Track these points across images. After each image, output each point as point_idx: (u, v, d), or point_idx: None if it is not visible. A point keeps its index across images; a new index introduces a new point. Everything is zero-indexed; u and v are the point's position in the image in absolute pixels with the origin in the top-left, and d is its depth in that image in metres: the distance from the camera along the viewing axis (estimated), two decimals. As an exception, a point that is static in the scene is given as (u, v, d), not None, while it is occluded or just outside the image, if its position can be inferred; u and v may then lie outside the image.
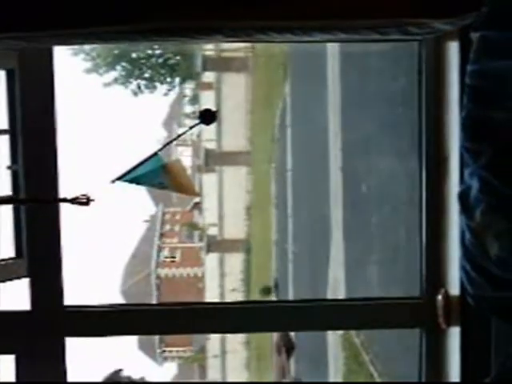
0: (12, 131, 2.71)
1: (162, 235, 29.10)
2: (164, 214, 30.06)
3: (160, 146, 2.64)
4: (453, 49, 2.54)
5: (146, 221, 30.81)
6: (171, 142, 2.67)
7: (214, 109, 2.56)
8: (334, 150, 11.10)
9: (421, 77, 2.68)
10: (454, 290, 2.60)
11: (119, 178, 2.54)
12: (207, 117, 2.55)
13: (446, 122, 2.62)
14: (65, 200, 2.37)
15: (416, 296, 2.77)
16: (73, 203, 2.34)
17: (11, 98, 2.69)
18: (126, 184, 2.54)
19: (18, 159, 2.71)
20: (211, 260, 24.88)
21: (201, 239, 26.19)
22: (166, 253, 28.61)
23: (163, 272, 27.81)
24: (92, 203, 2.43)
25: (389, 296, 2.90)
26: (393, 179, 7.66)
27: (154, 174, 2.58)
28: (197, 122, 2.55)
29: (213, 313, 2.78)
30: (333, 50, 11.12)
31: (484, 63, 1.80)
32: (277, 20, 2.19)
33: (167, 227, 29.94)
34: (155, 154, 2.57)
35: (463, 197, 1.86)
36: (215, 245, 24.18)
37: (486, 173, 1.78)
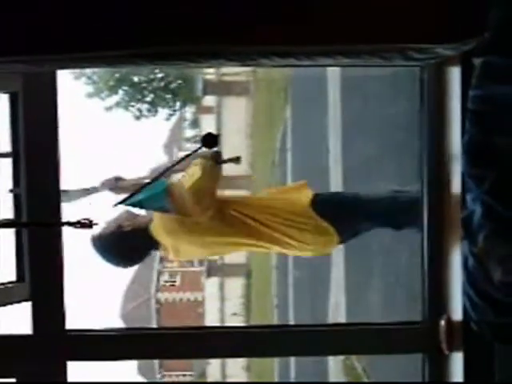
0: (15, 154, 2.72)
1: (162, 259, 29.05)
2: (164, 237, 29.99)
3: (161, 170, 2.65)
4: (455, 74, 2.54)
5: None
6: (173, 166, 2.67)
7: (215, 133, 2.56)
8: (334, 174, 11.10)
9: (422, 101, 2.69)
10: (457, 315, 2.59)
11: (122, 202, 2.55)
12: (209, 141, 2.55)
13: (447, 147, 2.62)
14: (68, 223, 2.37)
15: (418, 321, 2.76)
16: (76, 227, 2.33)
17: (14, 120, 2.70)
18: (129, 207, 2.54)
19: (20, 182, 2.71)
20: (211, 284, 24.81)
21: (201, 263, 26.15)
22: (166, 277, 28.55)
23: (163, 296, 27.74)
24: (92, 229, 2.43)
25: (391, 321, 2.89)
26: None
27: (157, 197, 2.59)
28: (199, 146, 2.55)
29: (213, 337, 2.77)
30: (334, 74, 11.16)
31: (486, 88, 1.81)
32: (279, 44, 2.19)
33: (167, 251, 29.88)
34: (158, 178, 2.57)
35: (466, 222, 1.86)
36: (215, 269, 24.15)
37: (488, 198, 1.78)
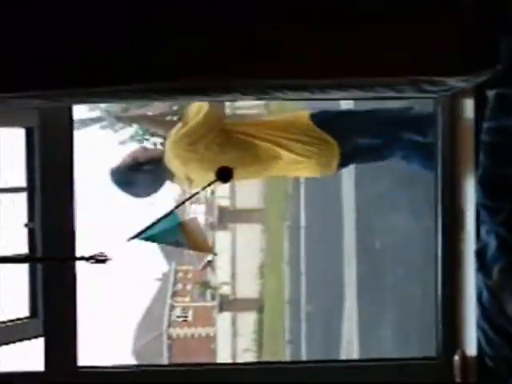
0: (30, 189, 2.73)
1: (174, 294, 28.99)
2: (176, 272, 29.98)
3: (175, 204, 2.65)
4: (468, 106, 2.55)
5: (159, 279, 30.74)
6: (187, 200, 2.68)
7: (230, 167, 2.56)
8: (347, 207, 11.09)
9: (436, 134, 2.69)
10: (471, 350, 2.55)
11: (136, 236, 2.54)
12: (224, 175, 2.55)
13: (461, 179, 2.62)
14: (82, 258, 2.37)
15: (432, 356, 2.73)
16: (90, 262, 2.34)
17: (30, 155, 2.72)
18: (143, 242, 2.54)
19: (34, 217, 2.72)
20: (223, 319, 24.73)
21: (213, 298, 26.06)
22: (177, 312, 28.47)
23: (175, 332, 27.65)
24: (106, 264, 2.43)
25: (404, 357, 2.86)
26: (408, 238, 7.63)
27: (171, 232, 2.58)
28: (213, 179, 2.55)
29: (225, 374, 2.75)
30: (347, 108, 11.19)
31: (500, 120, 1.81)
32: (293, 78, 2.20)
33: (179, 286, 29.84)
34: (172, 212, 2.57)
35: (480, 254, 1.86)
36: (227, 304, 24.07)
37: (503, 230, 1.77)
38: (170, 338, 27.06)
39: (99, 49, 2.19)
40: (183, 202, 2.66)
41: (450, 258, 2.66)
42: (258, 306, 22.71)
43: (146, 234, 2.54)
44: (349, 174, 10.70)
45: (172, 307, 28.44)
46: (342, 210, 11.44)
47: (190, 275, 29.73)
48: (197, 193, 2.58)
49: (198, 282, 28.19)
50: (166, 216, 2.56)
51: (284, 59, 2.17)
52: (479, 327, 1.89)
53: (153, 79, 2.20)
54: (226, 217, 23.79)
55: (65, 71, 2.20)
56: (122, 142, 23.42)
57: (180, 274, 30.18)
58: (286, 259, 20.27)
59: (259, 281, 23.00)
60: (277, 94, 2.29)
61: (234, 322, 23.92)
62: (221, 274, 25.17)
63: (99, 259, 2.33)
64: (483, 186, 1.86)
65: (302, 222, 17.25)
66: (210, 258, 26.06)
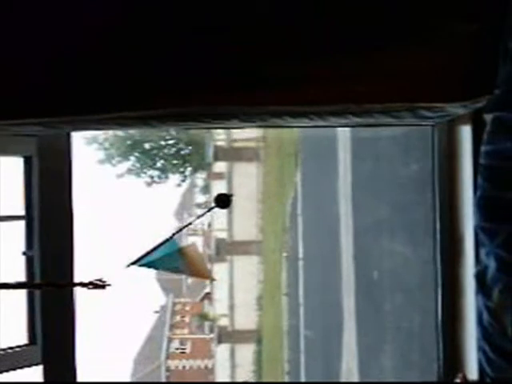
0: (28, 217, 2.72)
1: (172, 326, 28.86)
2: (174, 304, 29.87)
3: (174, 231, 2.65)
4: (465, 131, 2.57)
5: (156, 311, 30.62)
6: (186, 226, 2.69)
7: (228, 193, 2.58)
8: (345, 237, 11.09)
9: (434, 160, 2.70)
10: (472, 373, 2.56)
11: (135, 263, 2.55)
12: (222, 201, 2.57)
13: (459, 204, 2.63)
14: (81, 284, 2.37)
15: (434, 381, 2.72)
16: (89, 288, 2.34)
17: (28, 184, 2.72)
18: (142, 268, 2.54)
19: (33, 245, 2.72)
20: (222, 351, 24.59)
21: (211, 330, 25.94)
22: (176, 344, 28.32)
23: (173, 364, 27.48)
24: (105, 290, 2.42)
25: (406, 381, 2.85)
26: (405, 265, 7.64)
27: (170, 258, 2.58)
28: (212, 206, 2.57)
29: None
30: (344, 137, 11.24)
31: (498, 143, 1.82)
32: (292, 105, 2.22)
33: (177, 318, 29.72)
34: (171, 238, 2.58)
35: (480, 277, 1.85)
36: (226, 336, 23.95)
37: (502, 252, 1.77)
38: (168, 370, 26.89)
39: (100, 77, 2.21)
40: (182, 229, 2.67)
41: (449, 282, 2.67)
42: (256, 337, 22.60)
43: (145, 261, 2.55)
44: (346, 203, 10.71)
45: (170, 339, 28.29)
46: (339, 240, 11.45)
47: (187, 307, 29.62)
48: (195, 219, 2.58)
49: (195, 314, 28.08)
50: (164, 242, 2.56)
51: (285, 87, 2.19)
52: (480, 349, 1.88)
53: (153, 106, 2.22)
54: (224, 249, 23.75)
55: (63, 98, 2.22)
56: (120, 175, 23.52)
57: (178, 307, 30.06)
58: (284, 290, 20.22)
59: (257, 312, 22.90)
60: (277, 121, 2.30)
61: (232, 354, 23.77)
62: (219, 306, 25.06)
63: (98, 285, 2.33)
64: (482, 208, 1.86)
65: (300, 254, 17.25)
66: (208, 289, 25.99)
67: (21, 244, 2.76)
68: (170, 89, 2.21)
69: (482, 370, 2.07)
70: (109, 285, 2.35)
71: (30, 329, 2.73)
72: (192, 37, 2.19)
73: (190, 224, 2.69)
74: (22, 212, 2.74)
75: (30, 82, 2.20)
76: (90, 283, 2.34)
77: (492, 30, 2.13)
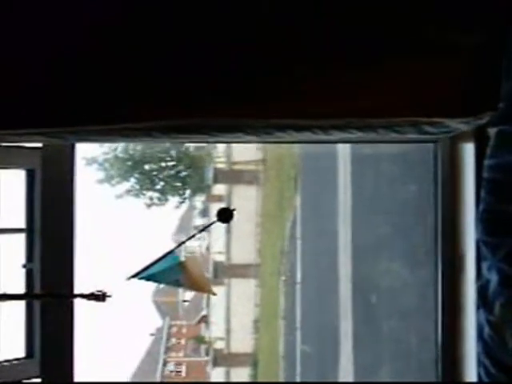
0: (29, 230, 2.72)
1: (167, 349, 28.71)
2: (170, 327, 29.75)
3: (175, 244, 2.66)
4: (468, 148, 2.57)
5: (152, 334, 30.48)
6: (188, 239, 2.69)
7: (230, 208, 2.58)
8: (343, 261, 11.07)
9: (436, 177, 2.71)
10: (473, 389, 2.56)
11: (135, 275, 2.55)
12: (224, 215, 2.57)
13: (461, 221, 2.63)
14: (81, 295, 2.37)
15: (435, 381, 2.71)
16: (89, 299, 2.33)
17: (30, 197, 2.72)
18: (143, 281, 2.54)
19: (33, 258, 2.71)
20: (217, 374, 24.45)
21: (207, 353, 25.81)
22: (171, 367, 28.17)
23: (169, 386, 27.32)
24: (105, 302, 2.42)
25: (405, 381, 2.84)
26: (404, 285, 7.62)
27: (171, 271, 2.58)
28: (214, 220, 2.57)
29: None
30: (344, 160, 11.24)
31: (501, 157, 1.83)
32: (296, 118, 2.22)
33: (173, 341, 29.58)
34: (172, 251, 2.58)
35: (482, 291, 1.85)
36: (222, 359, 23.82)
37: (505, 266, 1.77)
38: (163, 392, 26.71)
39: (103, 87, 2.21)
40: (183, 242, 2.67)
41: (449, 299, 2.66)
42: (252, 360, 22.47)
43: (146, 273, 2.55)
44: (345, 226, 10.70)
45: (165, 362, 28.15)
46: (337, 264, 11.42)
47: (183, 330, 29.48)
48: (196, 233, 2.58)
49: (191, 337, 27.95)
50: (165, 255, 2.56)
51: (290, 100, 2.20)
52: (480, 363, 1.87)
53: (157, 118, 2.22)
54: (222, 272, 23.69)
55: (70, 109, 2.23)
56: (119, 196, 23.49)
57: (174, 329, 29.94)
58: (281, 314, 20.14)
59: (254, 336, 22.80)
60: (280, 134, 2.30)
61: (227, 377, 23.63)
62: (215, 329, 24.95)
63: (98, 297, 2.32)
64: (484, 222, 1.87)
65: (298, 278, 17.20)
66: (204, 312, 25.90)
67: (21, 257, 2.75)
68: (173, 101, 2.21)
69: (481, 384, 2.07)
70: (109, 296, 2.34)
71: (28, 342, 2.73)
72: (196, 49, 2.20)
73: (191, 237, 2.67)
74: (23, 225, 2.74)
75: (32, 91, 2.21)
76: (91, 294, 2.34)
77: (495, 43, 2.14)
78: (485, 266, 1.85)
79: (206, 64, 2.20)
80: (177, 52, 2.20)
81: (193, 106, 2.20)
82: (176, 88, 2.19)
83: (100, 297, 2.34)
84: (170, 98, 2.20)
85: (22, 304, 2.74)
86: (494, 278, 1.79)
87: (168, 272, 2.58)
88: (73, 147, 2.67)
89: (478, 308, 1.88)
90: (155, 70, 2.20)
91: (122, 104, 2.21)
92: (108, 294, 2.34)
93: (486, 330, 1.82)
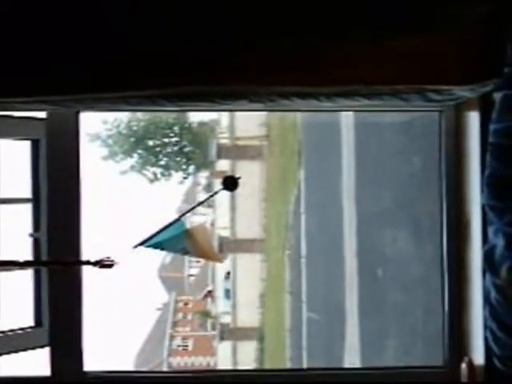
0: (35, 200, 2.73)
1: (174, 324, 28.84)
2: (177, 302, 29.87)
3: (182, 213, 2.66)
4: (473, 116, 2.57)
5: (159, 309, 30.62)
6: (194, 207, 2.70)
7: (236, 176, 2.58)
8: (348, 235, 11.09)
9: (441, 145, 2.71)
10: (479, 358, 2.56)
11: (142, 243, 2.55)
12: (230, 183, 2.57)
13: (466, 189, 2.63)
14: (89, 263, 2.38)
15: (439, 365, 2.73)
16: (97, 266, 2.34)
17: (35, 167, 2.72)
18: (149, 249, 2.55)
19: (40, 227, 2.72)
20: (224, 348, 24.56)
21: (213, 328, 25.92)
22: (178, 341, 28.31)
23: (175, 361, 27.47)
24: (113, 269, 2.43)
25: (411, 365, 2.86)
26: (410, 257, 7.62)
27: (177, 239, 2.59)
28: (220, 188, 2.58)
29: (226, 380, 2.74)
30: (348, 136, 11.23)
31: (507, 121, 1.82)
32: (301, 85, 2.22)
33: (180, 315, 29.71)
34: (178, 219, 2.59)
35: (488, 255, 1.85)
36: (228, 333, 23.91)
37: (511, 230, 1.77)
38: (170, 367, 26.88)
39: (109, 55, 2.21)
40: (190, 210, 2.68)
41: (456, 265, 2.67)
42: (258, 335, 22.57)
43: (153, 242, 2.55)
44: (349, 200, 10.71)
45: (172, 337, 28.28)
46: (342, 237, 11.44)
47: (190, 305, 29.60)
48: (203, 201, 2.58)
49: (198, 311, 28.06)
50: (172, 223, 2.57)
51: (296, 67, 2.20)
52: (487, 327, 1.88)
53: (163, 85, 2.22)
54: (227, 247, 23.73)
55: (72, 76, 2.23)
56: (124, 172, 23.50)
57: (180, 304, 30.05)
58: (286, 288, 20.19)
59: (260, 310, 22.88)
60: (286, 102, 2.30)
61: (234, 351, 23.74)
62: (221, 304, 25.04)
63: (106, 264, 2.33)
64: (490, 186, 1.86)
65: (303, 252, 17.23)
66: (210, 287, 25.98)
67: (27, 226, 2.76)
68: (179, 68, 2.21)
69: (488, 352, 2.08)
70: (117, 263, 2.35)
71: (36, 311, 2.74)
72: (196, 17, 2.20)
73: (198, 205, 2.68)
74: (28, 194, 2.74)
75: (39, 61, 2.21)
76: (98, 262, 2.35)
77: (500, 12, 2.14)
78: (491, 230, 1.85)
79: (207, 32, 2.20)
80: (177, 20, 2.19)
81: (193, 74, 2.20)
82: (176, 56, 2.19)
83: (107, 264, 2.35)
84: (170, 66, 2.20)
85: (29, 273, 2.75)
86: (500, 243, 1.79)
87: (175, 240, 2.58)
88: (77, 117, 2.66)
89: (484, 273, 1.88)
90: (156, 38, 2.20)
91: (124, 72, 2.21)
92: (115, 262, 2.35)
93: (493, 293, 1.82)
